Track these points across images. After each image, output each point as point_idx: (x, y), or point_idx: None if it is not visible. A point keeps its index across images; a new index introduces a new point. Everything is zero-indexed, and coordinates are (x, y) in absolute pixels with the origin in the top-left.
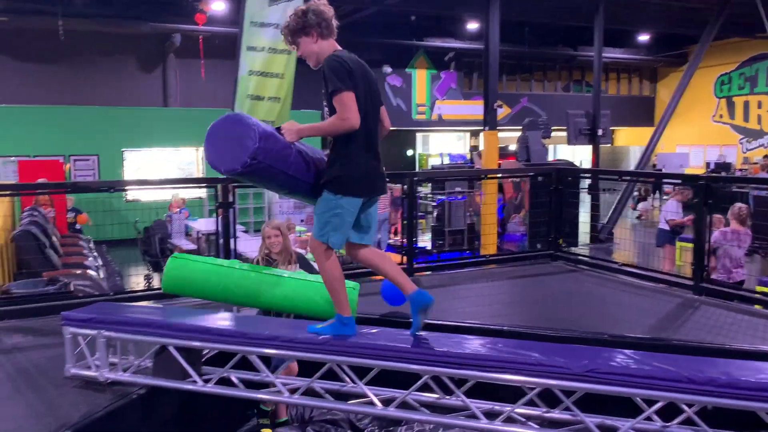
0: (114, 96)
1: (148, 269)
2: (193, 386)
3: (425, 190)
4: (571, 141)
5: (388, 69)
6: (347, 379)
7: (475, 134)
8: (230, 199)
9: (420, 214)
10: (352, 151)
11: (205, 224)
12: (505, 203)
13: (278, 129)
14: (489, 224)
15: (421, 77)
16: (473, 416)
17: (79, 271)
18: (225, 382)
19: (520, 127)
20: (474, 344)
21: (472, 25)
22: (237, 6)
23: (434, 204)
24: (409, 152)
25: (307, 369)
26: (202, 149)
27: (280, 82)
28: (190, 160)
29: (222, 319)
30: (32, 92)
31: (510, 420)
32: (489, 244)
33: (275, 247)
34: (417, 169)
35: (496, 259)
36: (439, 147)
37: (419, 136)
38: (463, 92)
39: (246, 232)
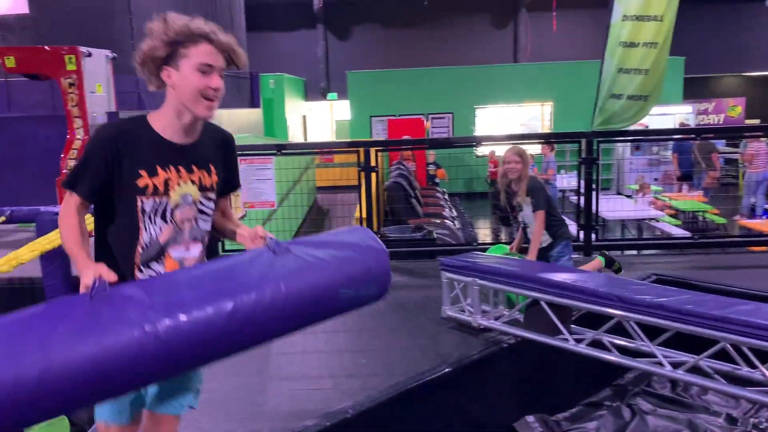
0: (468, 55)
1: (497, 223)
2: (564, 344)
3: None
4: None
5: None
6: (743, 363)
7: None
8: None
9: None
10: None
11: (558, 180)
12: None
13: None
14: None
15: None
16: None
17: (438, 221)
18: (595, 344)
19: None
20: None
21: None
22: None
23: None
24: None
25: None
26: (547, 104)
27: (659, 26)
28: (533, 115)
29: (596, 280)
30: (398, 57)
31: None
32: None
33: (512, 174)
34: None
35: None
36: None
37: None
38: None
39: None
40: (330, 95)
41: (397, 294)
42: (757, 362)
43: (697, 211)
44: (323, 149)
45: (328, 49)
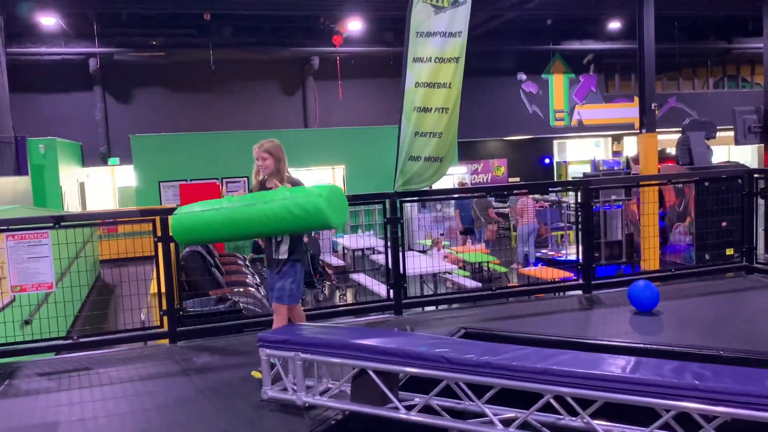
0: (260, 120)
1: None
2: (395, 414)
3: (569, 199)
4: (739, 140)
5: (522, 76)
6: (565, 412)
7: (617, 139)
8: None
9: (568, 225)
10: None
11: (349, 240)
12: (665, 212)
13: None
14: (650, 236)
15: (558, 82)
16: None
17: (241, 289)
18: (425, 409)
19: (671, 129)
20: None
21: (614, 25)
22: (372, 26)
23: None
24: (546, 160)
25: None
26: (338, 168)
27: (448, 92)
28: (325, 179)
29: (422, 342)
30: (186, 121)
31: None
32: (651, 259)
33: (265, 171)
34: (555, 179)
35: (678, 273)
36: (576, 154)
37: (555, 143)
38: (604, 95)
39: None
40: (111, 160)
41: (208, 378)
42: (579, 409)
43: (482, 262)
44: (112, 219)
45: (107, 112)
